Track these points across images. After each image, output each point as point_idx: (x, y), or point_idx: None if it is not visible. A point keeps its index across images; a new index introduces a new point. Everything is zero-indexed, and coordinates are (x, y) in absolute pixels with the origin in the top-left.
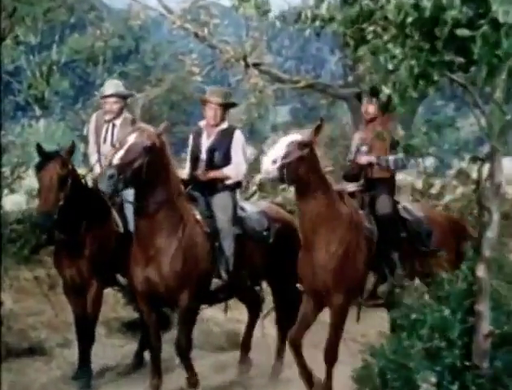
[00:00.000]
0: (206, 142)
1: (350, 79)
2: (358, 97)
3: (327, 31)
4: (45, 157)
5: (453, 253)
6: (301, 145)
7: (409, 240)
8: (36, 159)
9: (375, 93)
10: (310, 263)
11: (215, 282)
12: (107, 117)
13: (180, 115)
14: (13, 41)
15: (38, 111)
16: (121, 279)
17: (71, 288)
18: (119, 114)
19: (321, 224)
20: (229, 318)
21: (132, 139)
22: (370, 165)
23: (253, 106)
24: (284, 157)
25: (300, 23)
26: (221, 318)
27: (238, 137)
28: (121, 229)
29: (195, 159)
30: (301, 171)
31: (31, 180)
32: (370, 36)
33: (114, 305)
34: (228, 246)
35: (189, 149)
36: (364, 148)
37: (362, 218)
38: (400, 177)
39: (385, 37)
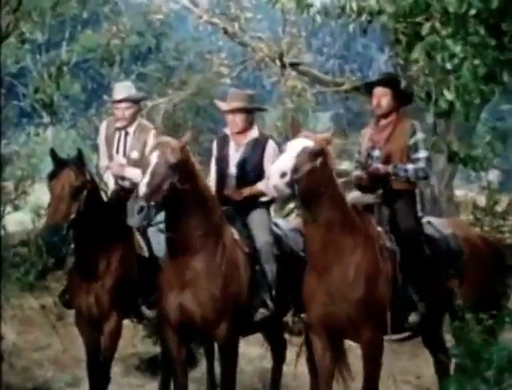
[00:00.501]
0: (234, 155)
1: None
2: (367, 87)
3: (375, 25)
4: (60, 164)
5: (487, 282)
6: (313, 154)
7: (434, 261)
8: (44, 172)
9: (388, 82)
10: (324, 291)
11: (261, 312)
12: (119, 124)
13: (206, 122)
14: (17, 39)
15: (46, 118)
16: (147, 311)
17: (86, 318)
18: (132, 120)
19: (334, 245)
20: (262, 354)
21: (154, 159)
22: (387, 175)
23: (291, 112)
24: (295, 169)
25: (344, 17)
26: (253, 353)
27: (271, 148)
28: (145, 253)
29: (222, 174)
30: (313, 186)
31: (37, 196)
32: (425, 32)
33: (131, 338)
34: (270, 269)
35: (214, 160)
36: (377, 152)
37: (382, 236)
38: (460, 193)
39: (443, 32)
